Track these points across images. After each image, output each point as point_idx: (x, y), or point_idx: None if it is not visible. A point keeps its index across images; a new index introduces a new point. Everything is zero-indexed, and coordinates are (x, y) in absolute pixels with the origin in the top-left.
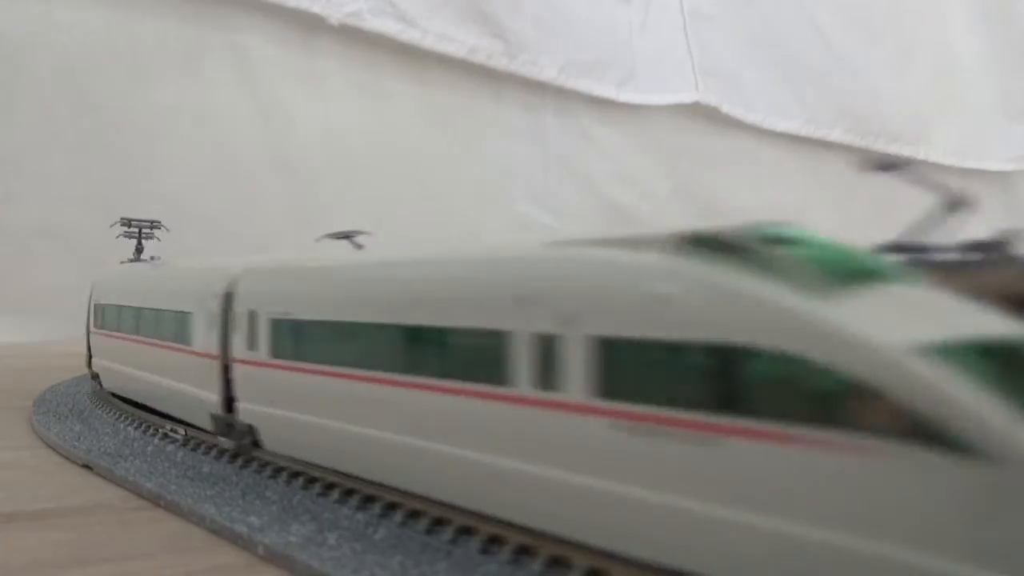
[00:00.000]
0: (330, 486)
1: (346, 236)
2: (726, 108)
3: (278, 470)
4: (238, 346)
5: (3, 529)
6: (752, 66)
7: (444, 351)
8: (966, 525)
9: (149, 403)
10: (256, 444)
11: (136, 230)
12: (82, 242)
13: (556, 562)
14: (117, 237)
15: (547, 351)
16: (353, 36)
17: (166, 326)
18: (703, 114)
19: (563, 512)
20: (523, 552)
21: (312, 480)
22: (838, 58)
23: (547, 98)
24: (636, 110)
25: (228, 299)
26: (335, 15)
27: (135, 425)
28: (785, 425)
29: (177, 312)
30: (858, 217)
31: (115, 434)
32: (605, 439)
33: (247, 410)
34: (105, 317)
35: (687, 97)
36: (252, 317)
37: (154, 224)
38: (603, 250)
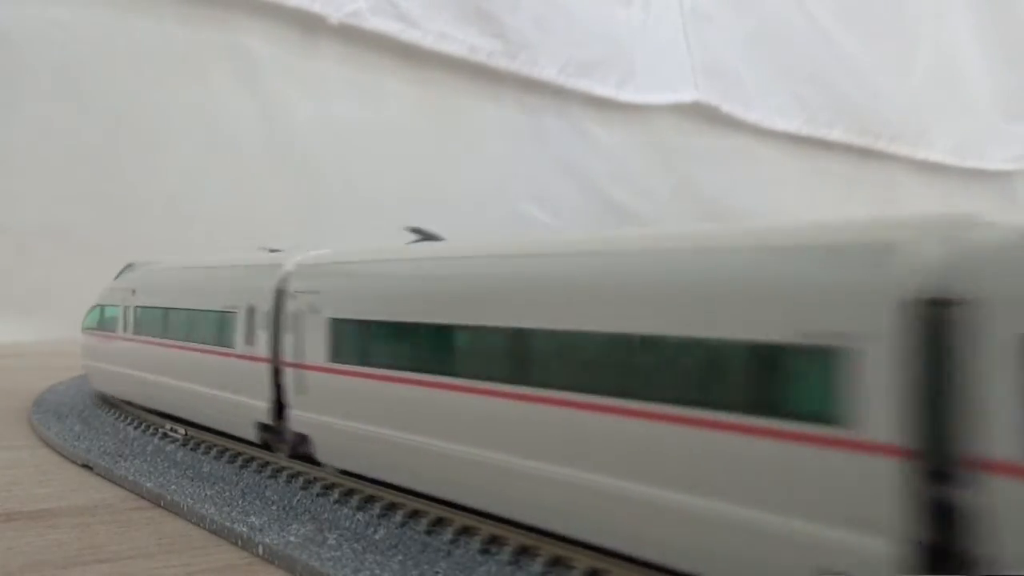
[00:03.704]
0: (329, 486)
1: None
2: (726, 107)
3: (278, 470)
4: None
5: (3, 529)
6: (752, 66)
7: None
8: None
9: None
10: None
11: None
12: (82, 241)
13: (556, 562)
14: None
15: None
16: (353, 36)
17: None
18: (703, 114)
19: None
20: (523, 552)
21: (312, 480)
22: (838, 58)
23: (547, 98)
24: (636, 110)
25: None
26: (335, 15)
27: (135, 425)
28: None
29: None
30: (856, 216)
31: (115, 434)
32: None
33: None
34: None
35: (687, 96)
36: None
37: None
38: None
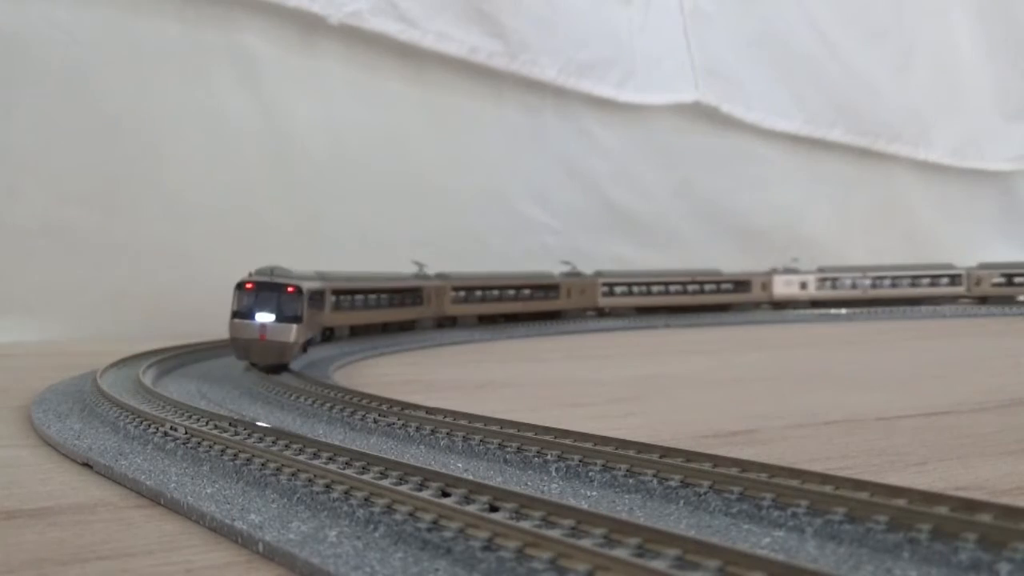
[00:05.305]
0: (330, 484)
1: None
2: (726, 108)
3: (279, 468)
4: None
5: (4, 526)
6: (752, 66)
7: None
8: None
9: None
10: None
11: None
12: (83, 241)
13: (557, 561)
14: None
15: None
16: (353, 36)
17: None
18: (703, 114)
19: None
20: (524, 550)
21: (313, 478)
22: (838, 58)
23: (547, 98)
24: (636, 110)
25: None
26: (335, 15)
27: (135, 423)
28: None
29: None
30: (856, 216)
31: (115, 432)
32: None
33: None
34: None
35: (687, 97)
36: None
37: None
38: None
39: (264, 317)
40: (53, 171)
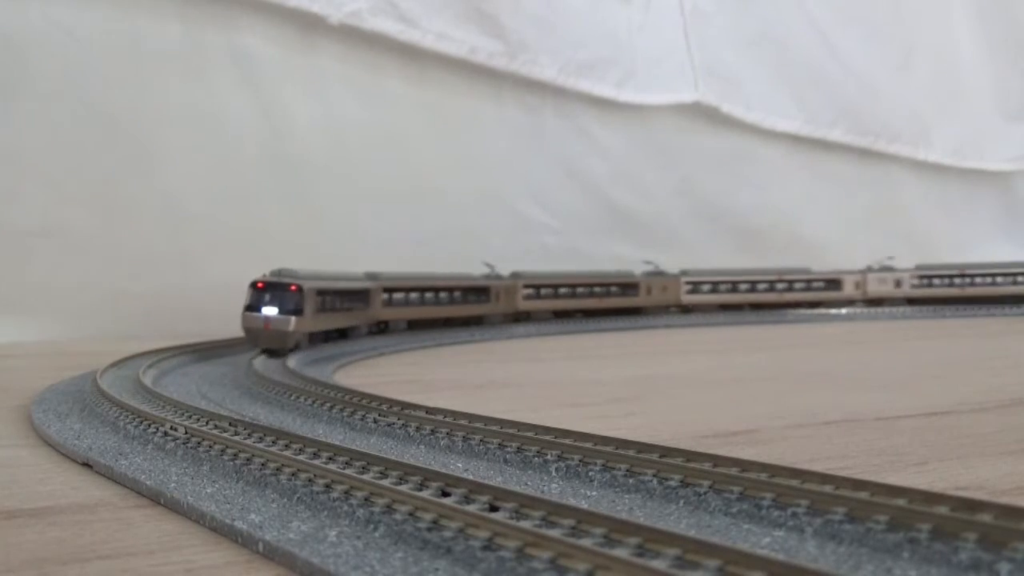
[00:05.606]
0: (330, 483)
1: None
2: (726, 108)
3: (278, 468)
4: None
5: (3, 526)
6: (752, 66)
7: None
8: None
9: None
10: None
11: None
12: (83, 241)
13: (557, 560)
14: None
15: None
16: (353, 36)
17: None
18: (703, 114)
19: None
20: (525, 550)
21: (313, 477)
22: (838, 58)
23: (547, 98)
24: (636, 110)
25: None
26: (335, 15)
27: (135, 423)
28: None
29: None
30: (856, 216)
31: (115, 432)
32: None
33: None
34: None
35: (687, 97)
36: None
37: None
38: None
39: (269, 310)
40: (52, 171)
